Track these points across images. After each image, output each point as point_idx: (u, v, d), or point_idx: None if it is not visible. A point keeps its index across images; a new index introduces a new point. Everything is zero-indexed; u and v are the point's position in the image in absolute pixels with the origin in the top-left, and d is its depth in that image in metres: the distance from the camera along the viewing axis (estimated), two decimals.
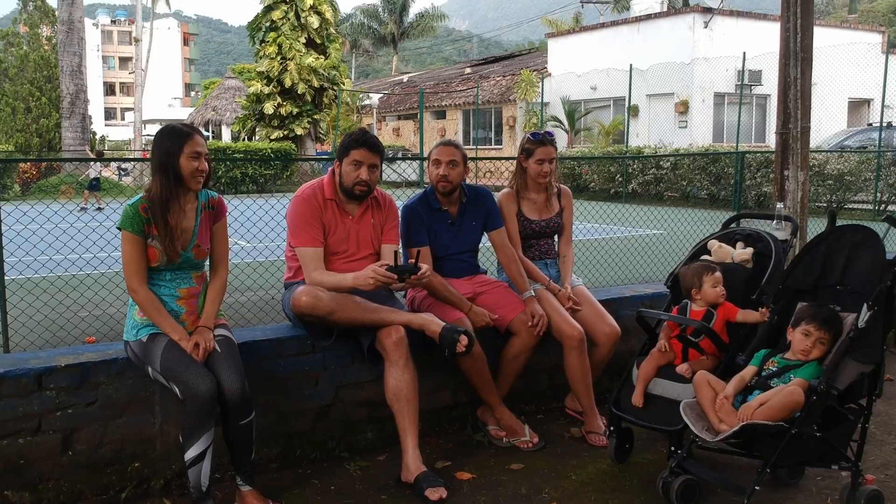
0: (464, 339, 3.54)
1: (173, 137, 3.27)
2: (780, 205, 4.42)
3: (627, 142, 24.33)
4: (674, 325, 3.75)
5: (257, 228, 6.52)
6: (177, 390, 3.13)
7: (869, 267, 3.28)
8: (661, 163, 19.58)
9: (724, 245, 3.95)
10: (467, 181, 4.29)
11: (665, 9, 28.08)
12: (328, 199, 3.79)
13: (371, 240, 3.88)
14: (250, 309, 6.18)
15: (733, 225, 4.21)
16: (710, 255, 3.99)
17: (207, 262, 3.50)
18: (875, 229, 3.40)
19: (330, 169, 3.88)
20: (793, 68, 6.04)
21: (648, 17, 26.44)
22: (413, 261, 3.53)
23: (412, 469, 3.46)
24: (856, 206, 16.60)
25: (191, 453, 3.09)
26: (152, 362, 3.22)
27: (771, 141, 24.69)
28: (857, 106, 27.05)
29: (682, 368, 3.58)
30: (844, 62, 21.31)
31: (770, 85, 23.82)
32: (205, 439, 3.09)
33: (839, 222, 3.54)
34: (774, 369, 3.29)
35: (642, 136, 25.39)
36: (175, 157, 3.23)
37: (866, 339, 3.14)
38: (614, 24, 29.09)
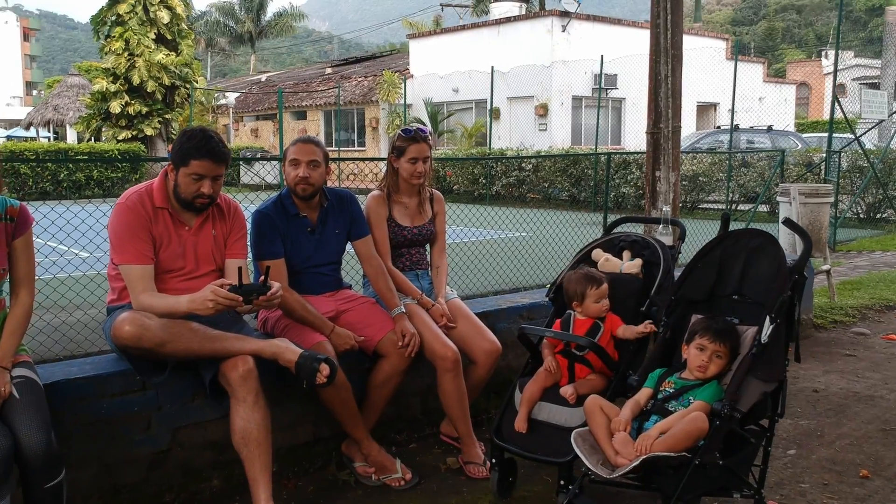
0: (325, 369, 3.04)
1: None
2: (665, 207, 4.16)
3: (490, 144, 24.35)
4: (557, 339, 3.39)
5: (99, 237, 5.73)
6: None
7: (768, 275, 3.02)
8: (524, 165, 19.62)
9: (611, 257, 3.63)
10: (328, 185, 3.79)
11: (523, 12, 28.34)
12: (159, 208, 3.19)
13: (213, 254, 3.31)
14: (81, 331, 5.41)
15: (616, 230, 3.90)
16: (596, 267, 3.66)
17: (5, 287, 2.85)
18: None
19: (162, 171, 3.28)
20: (663, 65, 5.87)
21: (508, 20, 26.59)
22: (263, 278, 2.99)
23: None
24: (709, 205, 17.16)
25: None
26: None
27: (626, 143, 25.43)
28: (705, 109, 28.24)
29: (566, 391, 3.22)
30: (692, 67, 22.04)
31: (625, 88, 24.55)
32: None
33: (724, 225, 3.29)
34: (671, 391, 2.98)
35: (504, 138, 25.49)
36: None
37: (769, 356, 2.87)
38: (475, 26, 29.09)
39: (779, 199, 7.08)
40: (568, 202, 18.84)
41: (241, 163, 20.73)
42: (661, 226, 3.80)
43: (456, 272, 7.82)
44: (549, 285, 3.76)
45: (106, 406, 3.10)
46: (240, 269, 2.99)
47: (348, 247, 3.82)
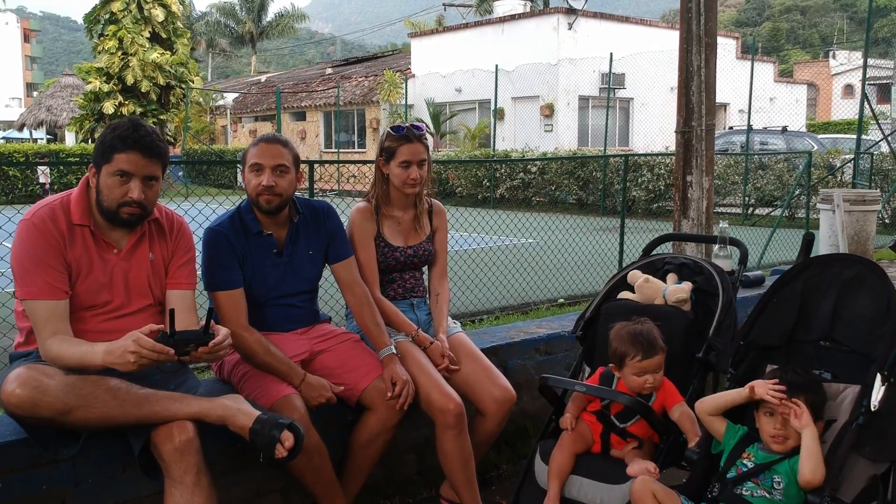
0: (287, 438, 2.32)
1: None
2: (723, 224, 3.41)
3: (494, 145, 23.62)
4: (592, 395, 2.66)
5: None
6: None
7: (872, 316, 2.30)
8: (529, 167, 18.90)
9: (651, 279, 2.89)
10: (308, 192, 3.07)
11: (527, 10, 27.61)
12: (77, 225, 2.47)
13: (149, 284, 2.58)
14: None
15: (657, 251, 3.18)
16: (633, 293, 2.93)
17: None
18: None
19: (83, 179, 2.56)
20: (696, 55, 5.15)
21: (513, 17, 25.84)
22: (204, 323, 2.27)
23: None
24: (723, 209, 16.43)
25: None
26: None
27: (635, 145, 24.69)
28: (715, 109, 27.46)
29: (635, 469, 2.44)
30: None
31: (633, 88, 23.81)
32: None
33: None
34: (750, 465, 2.25)
35: (508, 139, 24.75)
36: None
37: (880, 427, 2.15)
38: (478, 24, 28.34)
39: (819, 205, 6.36)
40: (575, 206, 18.12)
41: (238, 166, 20.02)
42: (716, 246, 3.07)
43: (458, 286, 7.11)
44: (575, 319, 3.04)
45: (4, 486, 2.37)
46: (171, 311, 2.25)
47: (326, 272, 3.10)
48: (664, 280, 2.92)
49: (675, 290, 2.82)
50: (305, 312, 3.03)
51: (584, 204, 18.09)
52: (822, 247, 6.14)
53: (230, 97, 34.09)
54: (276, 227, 2.91)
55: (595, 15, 24.90)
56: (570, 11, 23.78)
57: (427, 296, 3.35)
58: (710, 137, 5.23)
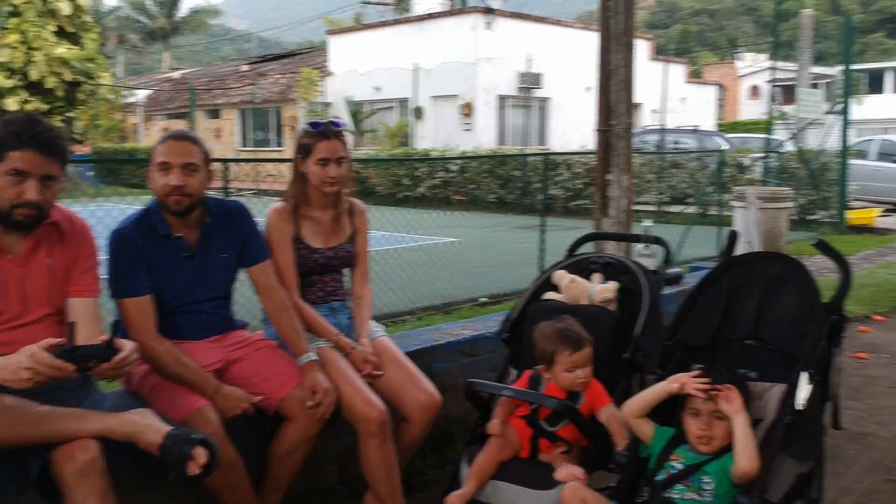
0: (199, 455, 2.18)
1: None
2: (647, 222, 3.41)
3: (414, 144, 23.55)
4: (520, 400, 2.60)
5: None
6: None
7: (795, 314, 2.30)
8: (450, 166, 18.90)
9: (577, 279, 2.86)
10: (223, 192, 2.91)
11: (446, 9, 27.63)
12: None
13: (48, 292, 2.40)
14: None
15: (582, 250, 3.14)
16: (559, 293, 2.89)
17: None
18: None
19: None
20: (615, 54, 5.18)
21: (431, 16, 25.84)
22: (107, 336, 2.11)
23: None
24: (637, 207, 16.73)
25: None
26: None
27: (551, 143, 24.98)
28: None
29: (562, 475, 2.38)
30: None
31: (550, 88, 24.09)
32: None
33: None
34: (679, 467, 2.23)
35: (428, 138, 24.73)
36: None
37: (805, 426, 2.15)
38: (397, 22, 28.23)
39: (734, 203, 6.50)
40: (496, 205, 18.22)
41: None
42: (642, 244, 3.07)
43: (379, 286, 6.98)
44: (502, 320, 2.98)
45: None
46: (71, 324, 2.09)
47: (242, 274, 2.96)
48: (589, 279, 2.89)
49: (602, 289, 2.79)
50: (219, 319, 2.88)
51: (503, 202, 18.21)
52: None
53: (142, 94, 33.03)
54: (186, 228, 2.75)
55: (512, 15, 25.10)
56: (488, 11, 23.91)
57: (348, 299, 3.24)
58: (629, 137, 5.26)
